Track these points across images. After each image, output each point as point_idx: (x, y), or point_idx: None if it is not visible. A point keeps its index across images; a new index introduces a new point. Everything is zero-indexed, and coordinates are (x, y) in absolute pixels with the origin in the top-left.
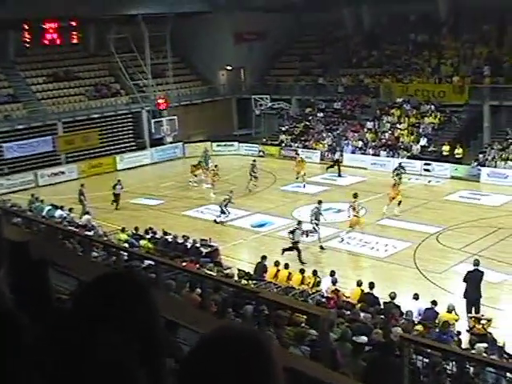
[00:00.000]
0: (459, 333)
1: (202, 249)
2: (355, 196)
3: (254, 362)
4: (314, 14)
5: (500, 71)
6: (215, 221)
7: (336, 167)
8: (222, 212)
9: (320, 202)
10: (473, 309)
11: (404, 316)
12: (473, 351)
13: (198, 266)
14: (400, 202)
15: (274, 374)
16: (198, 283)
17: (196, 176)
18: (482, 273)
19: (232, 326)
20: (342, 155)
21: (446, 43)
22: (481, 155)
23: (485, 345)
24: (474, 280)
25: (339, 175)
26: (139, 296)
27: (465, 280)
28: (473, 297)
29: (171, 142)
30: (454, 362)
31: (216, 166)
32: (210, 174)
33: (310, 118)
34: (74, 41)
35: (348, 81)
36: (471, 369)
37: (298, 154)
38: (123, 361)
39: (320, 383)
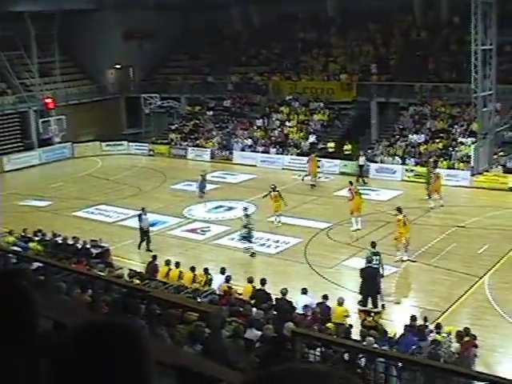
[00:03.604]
0: (351, 326)
1: (92, 250)
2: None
3: (123, 350)
4: (202, 12)
5: (386, 69)
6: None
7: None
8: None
9: (245, 209)
10: (369, 303)
11: (300, 311)
12: (364, 343)
13: (88, 267)
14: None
15: (143, 363)
16: (89, 284)
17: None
18: (377, 269)
19: (101, 318)
20: (367, 160)
21: (334, 42)
22: (369, 151)
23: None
24: (368, 276)
25: (364, 182)
26: (18, 298)
27: (361, 276)
28: (369, 292)
29: (59, 142)
30: (346, 354)
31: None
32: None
33: (200, 116)
34: None
35: (237, 79)
36: (363, 360)
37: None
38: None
39: (214, 380)
